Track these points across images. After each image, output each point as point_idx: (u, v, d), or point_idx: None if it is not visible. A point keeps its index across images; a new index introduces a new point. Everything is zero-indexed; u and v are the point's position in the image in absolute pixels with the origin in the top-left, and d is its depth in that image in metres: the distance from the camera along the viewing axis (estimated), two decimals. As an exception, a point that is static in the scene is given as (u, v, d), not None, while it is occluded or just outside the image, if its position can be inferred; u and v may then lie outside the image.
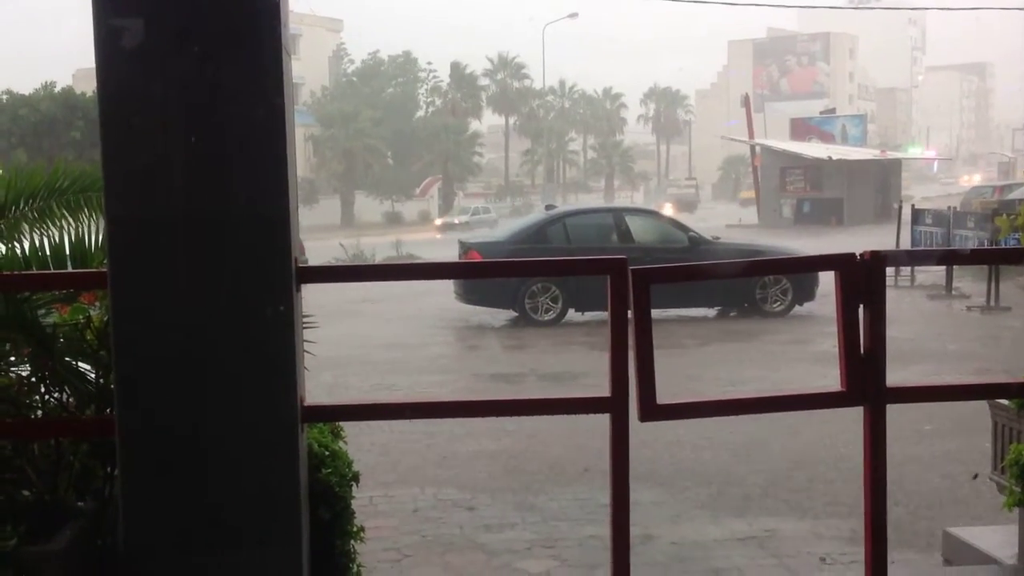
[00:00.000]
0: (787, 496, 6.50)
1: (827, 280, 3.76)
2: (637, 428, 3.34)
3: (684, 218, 26.67)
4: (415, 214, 60.60)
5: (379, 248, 28.24)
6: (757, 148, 49.56)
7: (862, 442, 3.50)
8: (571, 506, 6.37)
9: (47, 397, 3.77)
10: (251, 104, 2.94)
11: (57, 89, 34.10)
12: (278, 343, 3.02)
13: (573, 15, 67.47)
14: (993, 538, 4.80)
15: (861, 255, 3.45)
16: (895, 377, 3.56)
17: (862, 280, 3.43)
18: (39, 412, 3.76)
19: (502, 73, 77.44)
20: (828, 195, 43.77)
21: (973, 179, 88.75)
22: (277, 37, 2.94)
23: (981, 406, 5.00)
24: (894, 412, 3.50)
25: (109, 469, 3.61)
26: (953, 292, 17.29)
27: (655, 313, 3.40)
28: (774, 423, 7.89)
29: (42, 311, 3.76)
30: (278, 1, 2.93)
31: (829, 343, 10.55)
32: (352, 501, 3.58)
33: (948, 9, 37.09)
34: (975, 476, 5.58)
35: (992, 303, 15.58)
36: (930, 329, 14.06)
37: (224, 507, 3.05)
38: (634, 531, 3.43)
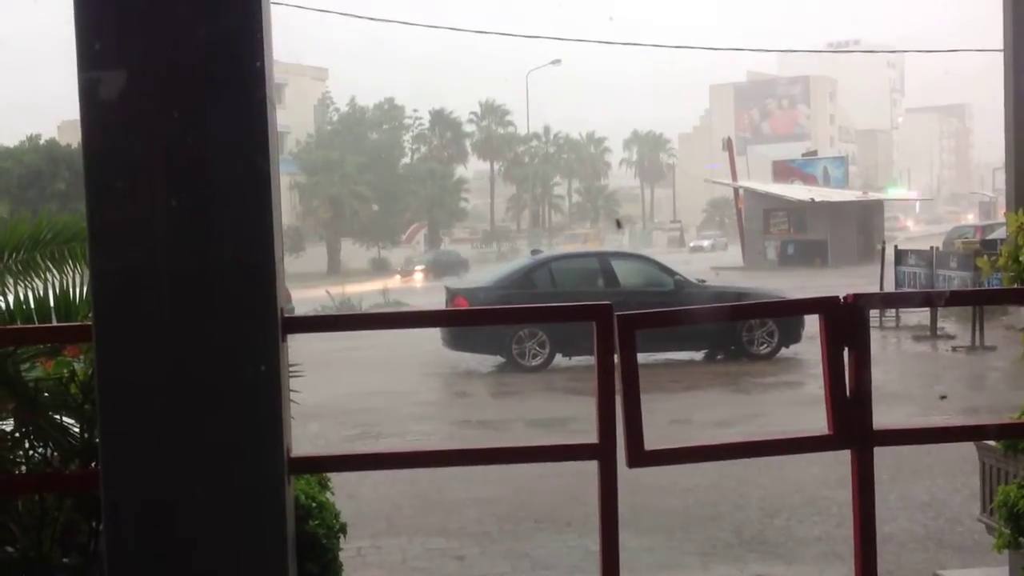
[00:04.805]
0: (777, 540, 6.47)
1: (813, 322, 3.78)
2: (625, 474, 3.33)
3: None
4: (402, 261, 60.67)
5: (366, 296, 28.20)
6: (740, 190, 49.88)
7: (850, 485, 3.50)
8: (561, 553, 6.33)
9: (31, 452, 3.74)
10: (235, 160, 2.95)
11: (42, 141, 34.15)
12: (264, 395, 3.01)
13: (556, 62, 68.01)
14: (984, 580, 4.79)
15: (844, 298, 3.47)
16: (882, 419, 3.56)
17: (846, 323, 3.45)
18: (23, 467, 3.73)
19: (487, 119, 77.85)
20: (812, 236, 44.00)
21: (916, 224, 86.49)
22: (262, 94, 2.96)
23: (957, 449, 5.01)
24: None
25: (94, 524, 3.58)
26: (938, 333, 17.35)
27: (641, 357, 3.40)
28: (762, 466, 7.87)
29: (26, 365, 3.74)
30: (263, 56, 2.95)
31: (815, 385, 10.56)
32: (340, 553, 3.55)
33: (925, 51, 37.57)
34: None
35: (977, 344, 15.64)
36: (916, 370, 14.11)
37: (211, 562, 3.02)
38: (624, 578, 3.41)
